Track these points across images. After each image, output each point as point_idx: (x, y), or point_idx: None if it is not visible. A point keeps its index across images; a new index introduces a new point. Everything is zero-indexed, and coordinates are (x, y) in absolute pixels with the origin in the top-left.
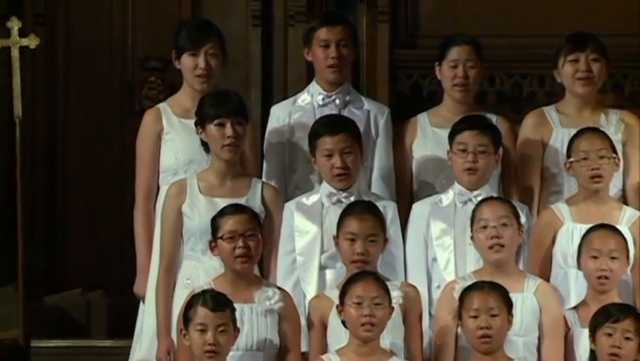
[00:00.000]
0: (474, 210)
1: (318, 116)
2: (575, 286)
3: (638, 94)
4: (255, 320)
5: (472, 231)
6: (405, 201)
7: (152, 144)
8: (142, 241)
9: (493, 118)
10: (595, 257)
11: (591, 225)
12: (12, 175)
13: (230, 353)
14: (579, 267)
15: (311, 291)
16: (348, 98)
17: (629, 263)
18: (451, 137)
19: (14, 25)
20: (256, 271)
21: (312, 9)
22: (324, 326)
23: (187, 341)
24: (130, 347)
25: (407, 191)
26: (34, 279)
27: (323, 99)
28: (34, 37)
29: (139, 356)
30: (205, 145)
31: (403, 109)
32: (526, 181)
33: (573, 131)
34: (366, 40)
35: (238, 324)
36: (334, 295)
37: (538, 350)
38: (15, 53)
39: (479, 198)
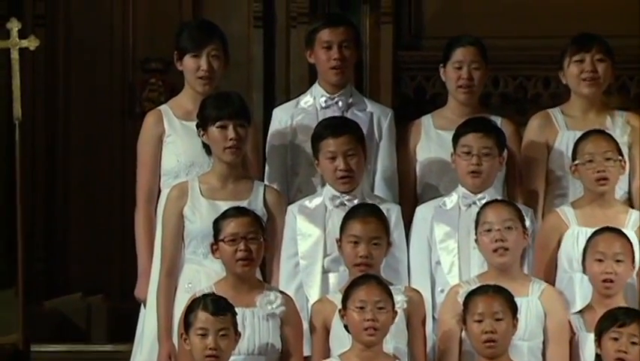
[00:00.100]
0: (478, 214)
1: (320, 119)
2: (580, 290)
3: None
4: (256, 324)
5: (476, 234)
6: (408, 204)
7: (153, 147)
8: (143, 244)
9: (498, 120)
10: (600, 260)
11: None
12: (12, 178)
13: (232, 358)
14: (584, 271)
15: (314, 295)
16: (351, 100)
17: (634, 267)
18: (455, 139)
19: (14, 26)
20: (258, 275)
21: (315, 10)
22: (327, 331)
23: (188, 345)
24: (131, 352)
25: (411, 194)
26: (33, 283)
27: (325, 101)
28: (34, 38)
29: (140, 360)
30: (207, 147)
31: (406, 111)
32: (531, 184)
33: (578, 134)
34: (369, 41)
35: (239, 328)
36: (337, 299)
37: (543, 354)
38: (15, 55)
39: (483, 201)
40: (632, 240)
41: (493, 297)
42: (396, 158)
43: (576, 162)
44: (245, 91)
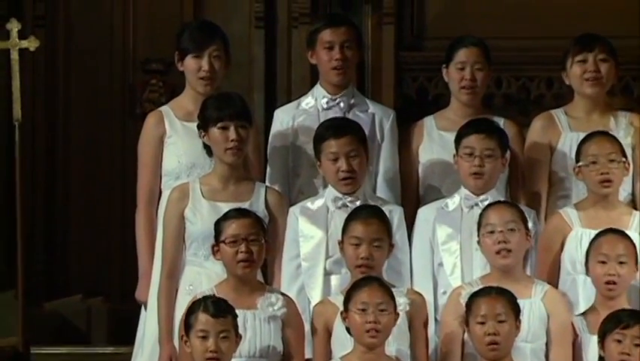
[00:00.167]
0: (481, 215)
1: (322, 120)
2: (583, 292)
3: None
4: (257, 327)
5: (478, 236)
6: (411, 206)
7: (154, 148)
8: (144, 246)
9: (501, 121)
10: (603, 262)
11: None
12: (12, 179)
13: (233, 360)
14: (587, 272)
15: (316, 297)
16: (352, 101)
17: (637, 268)
18: (458, 140)
19: (14, 27)
20: (259, 277)
21: (316, 10)
22: (329, 333)
23: (188, 347)
24: (131, 354)
25: (413, 195)
26: (33, 285)
27: (327, 102)
28: (33, 39)
29: None
30: (208, 148)
31: (408, 112)
32: (534, 185)
33: (582, 135)
34: (371, 42)
35: (241, 330)
36: (339, 301)
37: (546, 356)
38: (14, 56)
39: (486, 203)
40: (635, 242)
41: (496, 299)
42: (398, 159)
43: (580, 163)
44: (246, 92)
